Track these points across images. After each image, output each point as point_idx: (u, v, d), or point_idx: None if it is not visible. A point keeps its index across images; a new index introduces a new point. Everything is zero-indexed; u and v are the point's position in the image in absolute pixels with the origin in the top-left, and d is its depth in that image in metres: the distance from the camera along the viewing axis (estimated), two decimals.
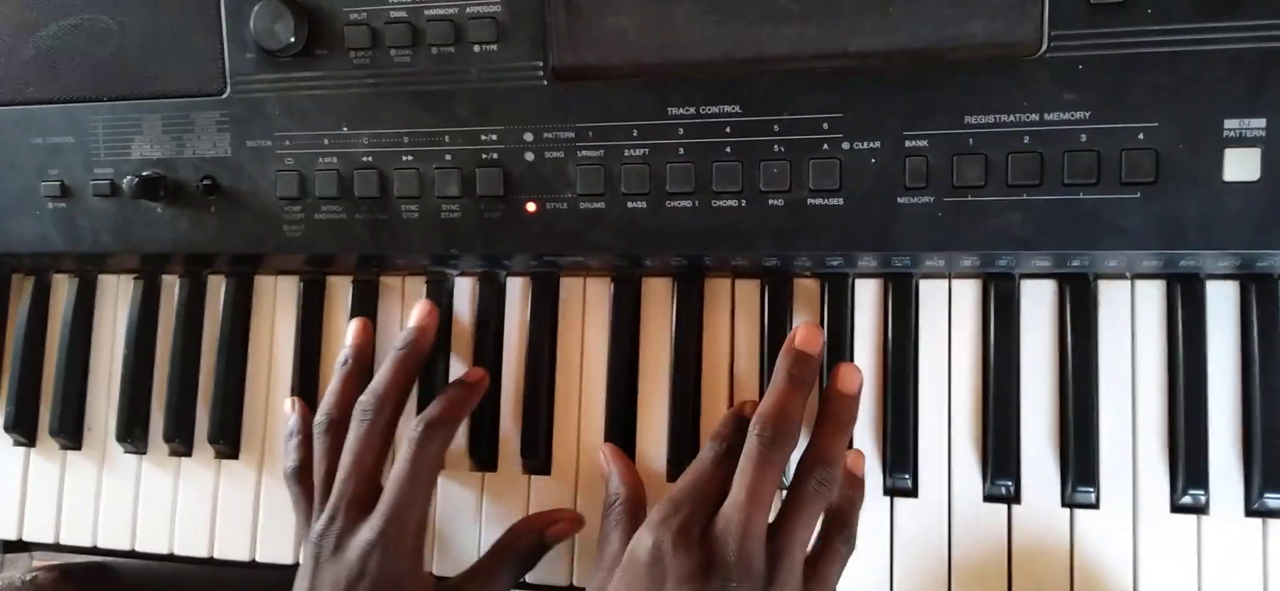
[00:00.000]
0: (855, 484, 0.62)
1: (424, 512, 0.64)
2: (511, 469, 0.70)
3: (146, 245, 0.72)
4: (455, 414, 0.66)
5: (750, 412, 0.62)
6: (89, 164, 0.72)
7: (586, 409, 0.69)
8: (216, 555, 0.74)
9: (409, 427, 0.64)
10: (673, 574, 0.54)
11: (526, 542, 0.66)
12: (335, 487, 0.63)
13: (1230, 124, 0.56)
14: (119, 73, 0.72)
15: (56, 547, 0.78)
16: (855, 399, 0.62)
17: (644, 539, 0.57)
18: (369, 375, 0.68)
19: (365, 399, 0.65)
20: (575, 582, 0.68)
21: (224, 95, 0.70)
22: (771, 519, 0.57)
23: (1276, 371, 0.59)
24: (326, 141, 0.68)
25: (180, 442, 0.75)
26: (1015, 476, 0.62)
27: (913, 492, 0.63)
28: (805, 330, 0.62)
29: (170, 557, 0.75)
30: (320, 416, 0.67)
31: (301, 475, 0.67)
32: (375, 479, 0.64)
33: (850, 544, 0.60)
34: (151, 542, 0.76)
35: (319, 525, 0.63)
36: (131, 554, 0.76)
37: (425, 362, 0.70)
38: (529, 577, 0.68)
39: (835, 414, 0.61)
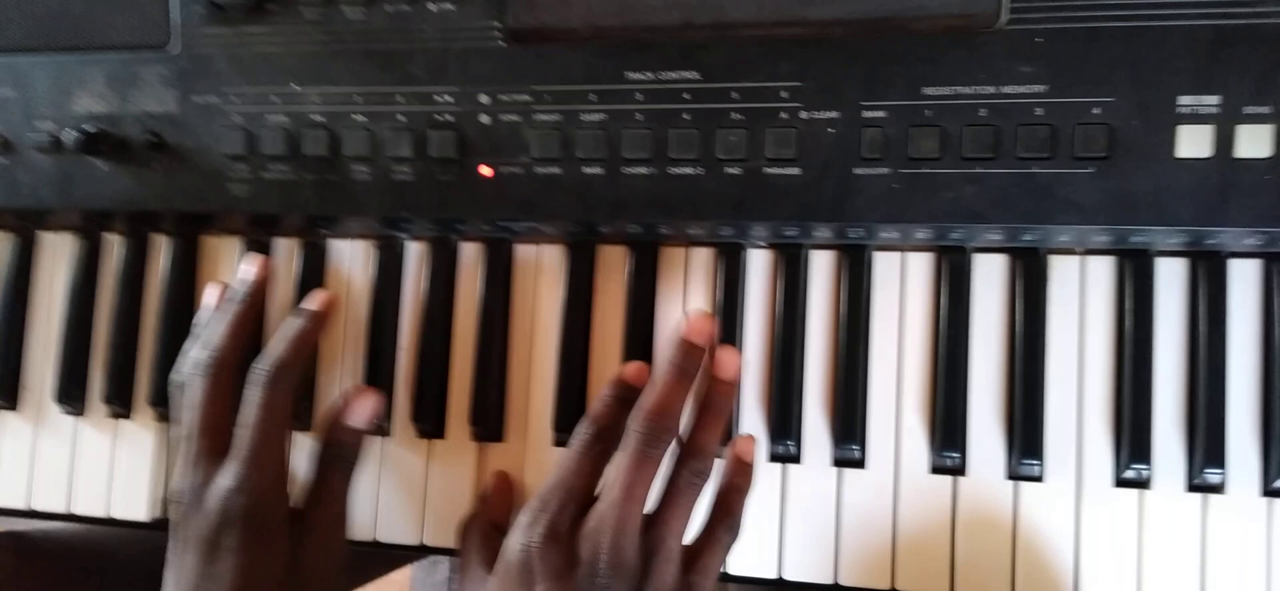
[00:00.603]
0: (743, 471, 0.62)
1: (282, 450, 0.63)
2: (460, 436, 0.69)
3: (89, 202, 0.70)
4: (302, 351, 0.65)
5: (631, 377, 0.61)
6: (29, 117, 0.70)
7: (537, 376, 0.69)
8: (157, 517, 0.73)
9: (256, 369, 0.62)
10: (541, 574, 0.54)
11: (344, 436, 0.66)
12: (184, 446, 0.62)
13: (1184, 101, 0.56)
14: (62, 24, 0.70)
15: None
16: (733, 386, 0.62)
17: (512, 541, 0.56)
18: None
19: (200, 355, 0.63)
20: None
21: (170, 50, 0.68)
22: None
23: (1221, 349, 0.60)
24: (276, 99, 0.67)
25: (119, 404, 0.73)
26: (962, 448, 0.62)
27: (861, 464, 0.64)
28: (696, 319, 0.61)
29: (108, 522, 0.74)
30: (172, 376, 0.65)
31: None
32: (225, 430, 0.62)
33: (734, 532, 0.60)
34: (88, 505, 0.74)
35: (176, 484, 0.61)
36: (68, 517, 0.74)
37: (260, 316, 0.70)
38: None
39: (712, 402, 0.61)
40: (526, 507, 0.57)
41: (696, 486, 0.58)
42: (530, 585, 0.55)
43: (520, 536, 0.56)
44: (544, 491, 0.58)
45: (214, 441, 0.62)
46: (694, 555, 0.58)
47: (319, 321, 0.67)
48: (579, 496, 0.57)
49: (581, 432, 0.59)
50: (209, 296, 0.69)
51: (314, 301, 0.67)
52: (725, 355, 0.61)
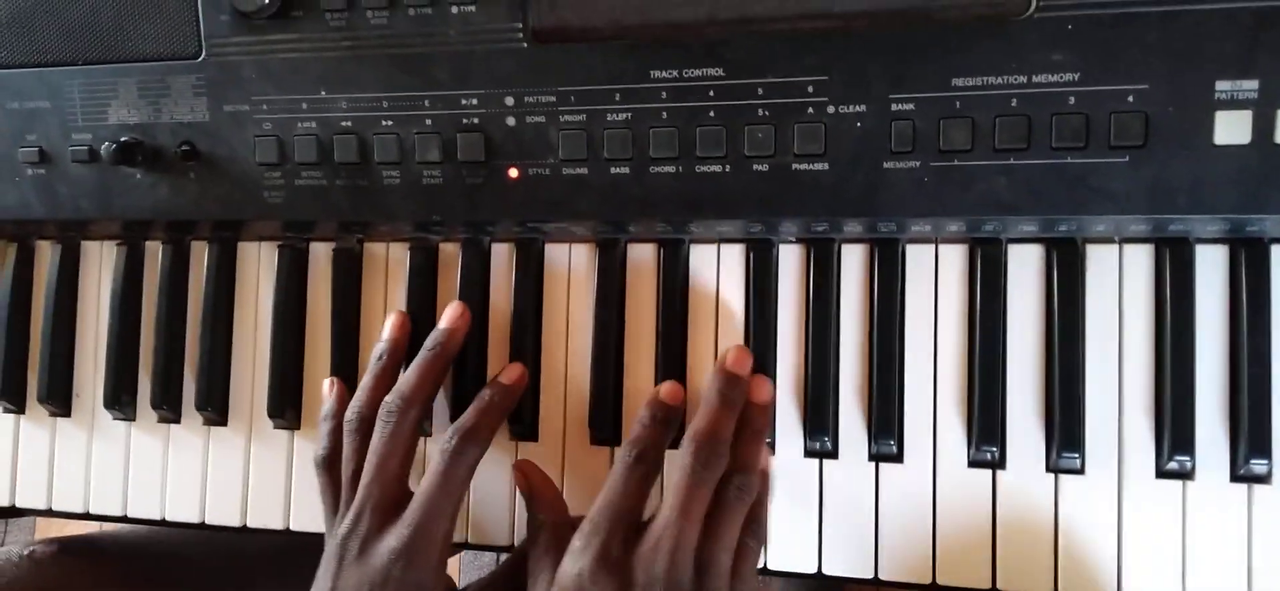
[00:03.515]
0: (764, 480, 0.64)
1: (452, 522, 0.63)
2: (498, 434, 0.69)
3: (127, 212, 0.71)
4: (492, 422, 0.65)
5: (666, 396, 0.63)
6: (66, 129, 0.71)
7: (572, 375, 0.69)
8: (208, 521, 0.75)
9: (443, 436, 0.63)
10: None
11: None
12: (360, 490, 0.63)
13: (1222, 86, 0.54)
14: (93, 35, 0.70)
15: (49, 513, 0.78)
16: (769, 408, 0.64)
17: (567, 566, 0.58)
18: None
19: (391, 400, 0.64)
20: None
21: (200, 58, 0.68)
22: None
23: (1264, 336, 0.58)
24: (305, 106, 0.67)
25: (168, 409, 0.75)
26: (1000, 442, 0.62)
27: (898, 458, 0.63)
28: (736, 352, 0.64)
29: (162, 523, 0.76)
30: (351, 413, 0.66)
31: (329, 465, 0.67)
32: (401, 481, 0.64)
33: (760, 537, 0.62)
34: (143, 509, 0.76)
35: (344, 526, 0.62)
36: (124, 519, 0.76)
37: (453, 363, 0.68)
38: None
39: (751, 422, 0.63)
40: (579, 532, 0.59)
41: (744, 501, 0.60)
42: None
43: (574, 562, 0.57)
44: (594, 515, 0.59)
45: (388, 492, 0.63)
46: (733, 567, 0.59)
47: (512, 396, 0.67)
48: (628, 518, 0.59)
49: (624, 456, 0.61)
50: (389, 328, 0.69)
51: (507, 376, 0.67)
52: (759, 383, 0.64)
